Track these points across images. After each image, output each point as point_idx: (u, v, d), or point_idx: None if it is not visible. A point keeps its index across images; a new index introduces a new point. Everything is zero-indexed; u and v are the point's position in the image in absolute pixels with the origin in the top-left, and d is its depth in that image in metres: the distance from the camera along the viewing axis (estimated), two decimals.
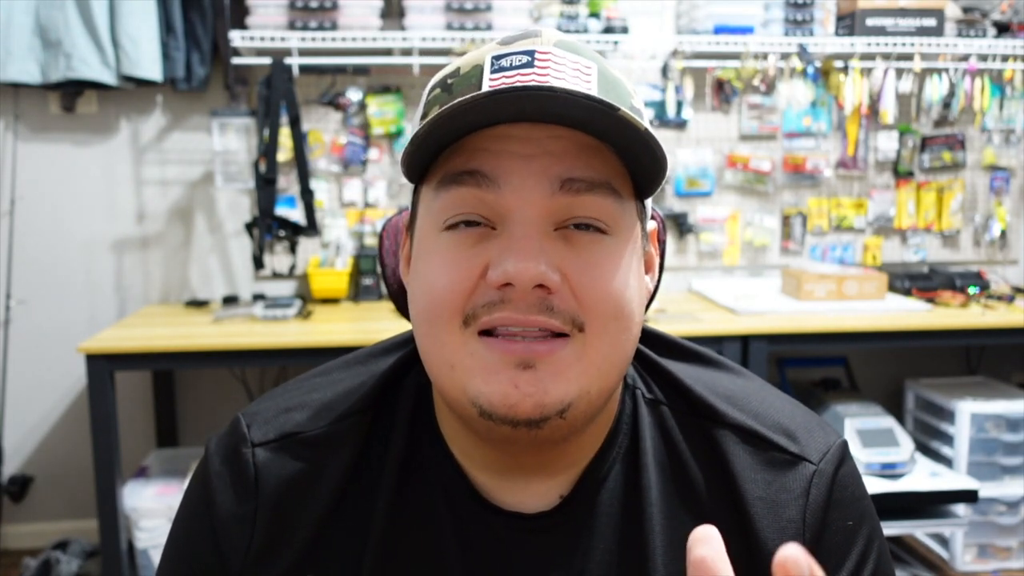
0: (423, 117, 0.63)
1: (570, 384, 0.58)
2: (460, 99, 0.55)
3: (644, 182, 0.62)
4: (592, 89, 0.59)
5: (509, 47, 0.61)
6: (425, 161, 0.61)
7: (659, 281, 0.90)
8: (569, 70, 0.59)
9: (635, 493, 0.67)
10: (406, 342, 0.74)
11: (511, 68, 0.59)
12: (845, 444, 0.70)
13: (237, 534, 0.67)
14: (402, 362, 0.72)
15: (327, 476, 0.67)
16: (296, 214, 2.77)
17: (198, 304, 2.73)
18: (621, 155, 0.60)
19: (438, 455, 0.68)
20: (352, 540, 0.67)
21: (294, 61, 2.56)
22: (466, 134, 0.59)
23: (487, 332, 0.58)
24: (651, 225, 0.68)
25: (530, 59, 0.59)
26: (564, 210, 0.58)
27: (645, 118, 0.63)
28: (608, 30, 2.68)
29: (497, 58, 0.60)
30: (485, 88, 0.58)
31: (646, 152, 0.58)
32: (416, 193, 0.65)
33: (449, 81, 0.62)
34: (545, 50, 0.60)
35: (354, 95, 2.78)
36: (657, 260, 0.71)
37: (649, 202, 0.66)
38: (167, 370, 2.79)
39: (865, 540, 0.68)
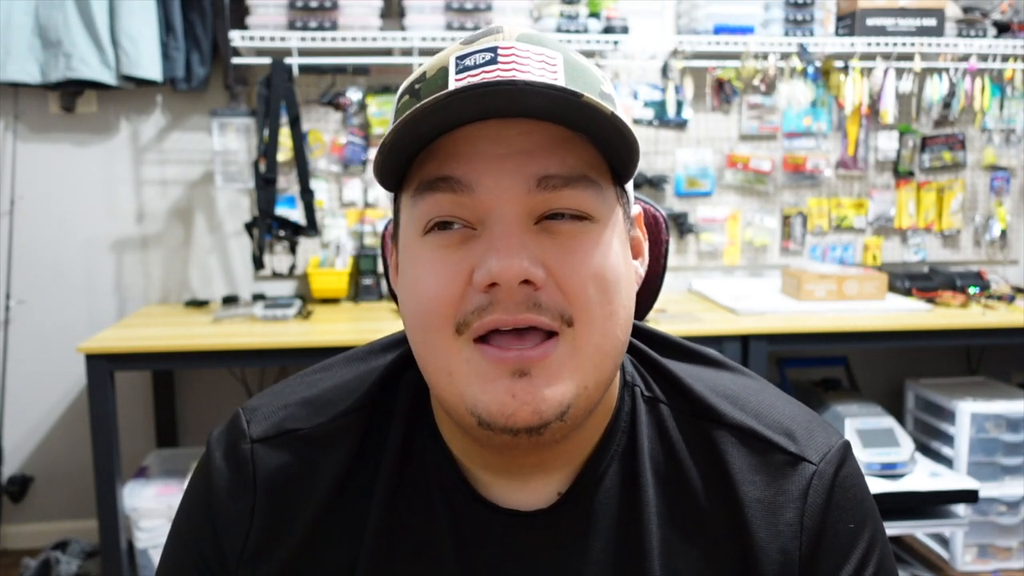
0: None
1: (567, 385, 0.58)
2: (421, 103, 0.55)
3: (620, 167, 0.62)
4: (558, 79, 0.59)
5: (472, 46, 0.60)
6: (399, 168, 0.61)
7: (662, 278, 0.90)
8: (534, 63, 0.59)
9: (632, 492, 0.66)
10: (405, 339, 0.74)
11: (475, 67, 0.58)
12: (847, 444, 0.69)
13: (235, 529, 0.67)
14: (401, 359, 0.72)
15: (324, 473, 0.67)
16: (296, 214, 2.77)
17: (198, 304, 2.73)
18: (594, 142, 0.59)
19: (435, 452, 0.68)
20: (348, 536, 0.67)
21: (294, 61, 2.56)
22: (435, 138, 0.58)
23: (481, 338, 0.58)
24: (635, 210, 0.68)
25: (493, 55, 0.58)
26: (542, 205, 0.58)
27: (616, 104, 0.63)
28: (608, 30, 2.68)
29: (461, 58, 0.60)
30: (452, 89, 0.58)
31: (616, 136, 0.58)
32: (396, 201, 0.65)
33: (416, 86, 0.61)
34: (508, 45, 0.59)
35: (354, 95, 2.78)
36: (646, 245, 0.70)
37: (631, 187, 0.66)
38: (167, 370, 2.80)
39: (867, 543, 0.67)
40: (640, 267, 0.68)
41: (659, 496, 0.67)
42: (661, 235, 0.88)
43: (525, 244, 0.57)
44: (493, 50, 0.59)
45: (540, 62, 0.59)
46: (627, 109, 2.85)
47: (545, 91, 0.54)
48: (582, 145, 0.59)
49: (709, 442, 0.67)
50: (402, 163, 0.60)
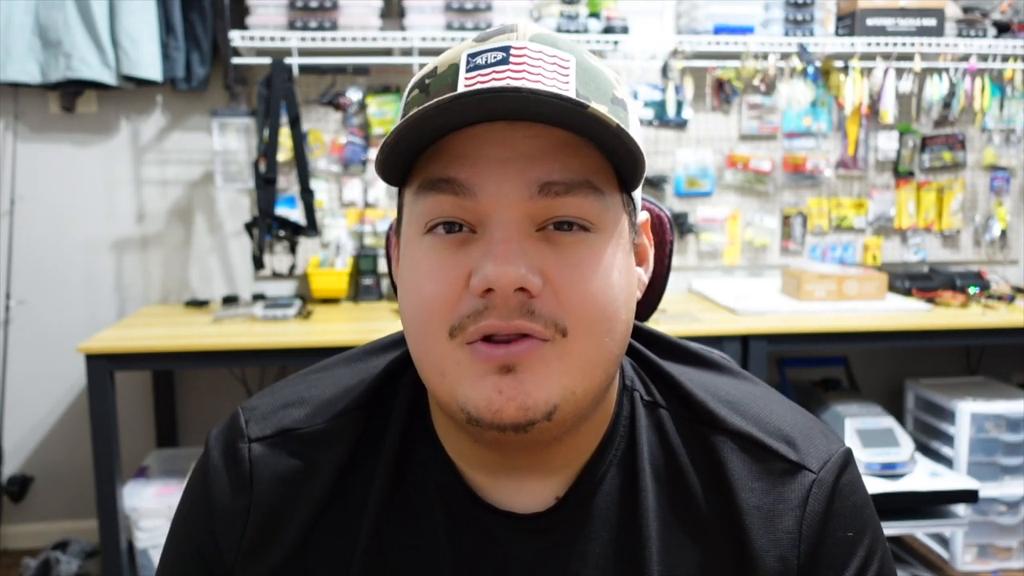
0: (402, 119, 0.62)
1: (552, 385, 0.57)
2: (426, 105, 0.55)
3: (627, 175, 0.61)
4: (570, 83, 0.58)
5: (484, 44, 0.60)
6: (403, 165, 0.61)
7: (666, 279, 0.90)
8: (546, 65, 0.58)
9: (631, 497, 0.66)
10: (404, 340, 0.74)
11: (486, 66, 0.58)
12: (848, 452, 0.69)
13: (231, 528, 0.67)
14: (400, 360, 0.72)
15: (321, 473, 0.67)
16: (296, 214, 2.77)
17: (198, 304, 2.73)
18: (600, 149, 0.59)
19: (433, 453, 0.68)
20: (343, 537, 0.67)
21: (294, 61, 2.56)
22: (439, 137, 0.58)
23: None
24: (642, 216, 0.67)
25: (505, 55, 0.58)
26: (544, 211, 0.58)
27: (629, 108, 0.63)
28: (608, 30, 2.68)
29: (472, 56, 0.59)
30: (460, 88, 0.58)
31: (621, 147, 0.58)
32: (400, 196, 0.65)
33: (427, 81, 0.61)
34: (520, 45, 0.59)
35: (354, 95, 2.78)
36: (651, 251, 0.70)
37: (638, 193, 0.66)
38: (167, 370, 2.79)
39: (866, 551, 0.66)
40: (644, 274, 0.68)
41: (658, 501, 0.66)
42: (665, 236, 0.88)
43: (524, 251, 0.57)
44: (505, 50, 0.58)
45: (552, 65, 0.58)
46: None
47: (551, 100, 0.54)
48: (588, 150, 0.59)
49: (709, 448, 0.67)
50: (406, 161, 0.60)
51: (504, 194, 0.57)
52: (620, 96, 0.62)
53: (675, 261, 3.37)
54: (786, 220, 3.04)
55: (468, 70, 0.58)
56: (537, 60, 0.58)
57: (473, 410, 0.58)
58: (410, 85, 0.63)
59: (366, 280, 2.80)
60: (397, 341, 0.75)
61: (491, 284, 0.56)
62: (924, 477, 2.41)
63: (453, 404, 0.59)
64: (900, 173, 3.05)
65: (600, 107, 0.58)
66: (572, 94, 0.58)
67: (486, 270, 0.56)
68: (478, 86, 0.57)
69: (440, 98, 0.55)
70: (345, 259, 2.81)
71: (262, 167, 2.53)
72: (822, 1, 2.80)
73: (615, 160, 0.60)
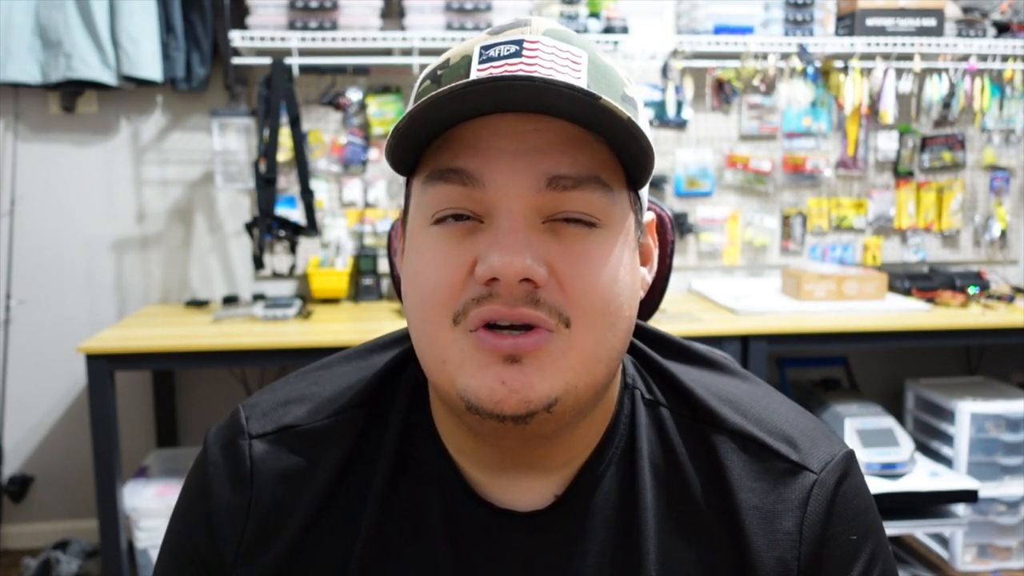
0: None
1: (556, 378, 0.57)
2: (439, 90, 0.55)
3: (635, 172, 0.61)
4: (581, 78, 0.58)
5: (498, 37, 0.60)
6: (412, 153, 0.61)
7: (667, 279, 0.90)
8: (558, 60, 0.58)
9: (630, 495, 0.66)
10: (406, 337, 0.73)
11: (499, 58, 0.58)
12: (851, 454, 0.68)
13: (231, 525, 0.67)
14: (401, 357, 0.72)
15: (321, 469, 0.67)
16: (296, 214, 2.77)
17: (198, 304, 2.73)
18: (609, 144, 0.59)
19: (432, 451, 0.68)
20: (343, 533, 0.67)
21: (294, 61, 2.56)
22: (450, 126, 0.58)
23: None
24: (648, 216, 0.67)
25: (518, 49, 0.58)
26: (552, 205, 0.58)
27: (639, 106, 0.63)
28: (608, 30, 2.69)
29: (486, 48, 0.59)
30: (473, 78, 0.58)
31: (631, 142, 0.58)
32: (408, 186, 0.65)
33: (439, 72, 0.61)
34: (534, 39, 0.59)
35: (354, 95, 2.78)
36: (656, 252, 0.70)
37: (645, 193, 0.66)
38: (167, 370, 2.80)
39: (869, 556, 0.66)
40: (648, 274, 0.68)
41: (657, 499, 0.66)
42: (667, 236, 0.88)
43: (530, 242, 0.57)
44: (519, 43, 0.59)
45: (565, 60, 0.59)
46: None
47: (564, 90, 0.54)
48: (597, 146, 0.59)
49: (709, 447, 0.67)
50: (416, 149, 0.60)
51: (513, 186, 0.57)
52: (631, 95, 0.62)
53: (675, 261, 3.36)
54: (786, 220, 3.04)
55: (481, 61, 0.59)
56: (550, 54, 0.58)
57: (473, 398, 0.57)
58: (422, 76, 0.64)
59: (366, 280, 2.80)
60: (398, 339, 0.75)
61: (496, 274, 0.56)
62: (924, 477, 2.42)
63: (453, 392, 0.59)
64: (900, 173, 3.05)
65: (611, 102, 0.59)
66: None
67: (491, 260, 0.56)
68: (491, 74, 0.57)
69: (453, 84, 0.55)
70: (345, 259, 2.81)
71: (262, 167, 2.53)
72: (822, 1, 2.80)
73: (624, 156, 0.60)
